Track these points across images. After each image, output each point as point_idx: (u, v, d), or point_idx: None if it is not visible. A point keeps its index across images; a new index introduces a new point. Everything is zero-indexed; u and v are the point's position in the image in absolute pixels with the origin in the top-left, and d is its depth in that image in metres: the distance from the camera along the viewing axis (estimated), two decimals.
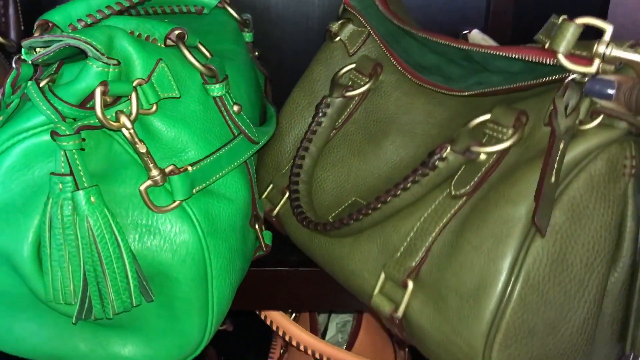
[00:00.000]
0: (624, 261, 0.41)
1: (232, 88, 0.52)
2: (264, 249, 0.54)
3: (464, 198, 0.43)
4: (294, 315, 0.74)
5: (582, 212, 0.39)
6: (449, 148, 0.43)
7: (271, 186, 0.57)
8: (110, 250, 0.41)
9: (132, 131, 0.43)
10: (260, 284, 0.56)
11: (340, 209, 0.52)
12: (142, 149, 0.43)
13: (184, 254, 0.45)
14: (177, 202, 0.45)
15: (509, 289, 0.38)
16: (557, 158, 0.38)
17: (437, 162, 0.43)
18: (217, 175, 0.47)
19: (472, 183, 0.42)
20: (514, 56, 0.42)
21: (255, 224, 0.53)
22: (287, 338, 0.65)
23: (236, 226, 0.49)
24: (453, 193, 0.43)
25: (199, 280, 0.46)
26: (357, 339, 0.68)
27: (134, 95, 0.43)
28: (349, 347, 0.68)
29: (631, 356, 0.42)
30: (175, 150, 0.46)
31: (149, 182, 0.44)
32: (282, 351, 0.74)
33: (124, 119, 0.42)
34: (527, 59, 0.41)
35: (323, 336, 0.75)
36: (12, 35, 0.66)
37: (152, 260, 0.44)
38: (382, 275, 0.45)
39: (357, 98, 0.55)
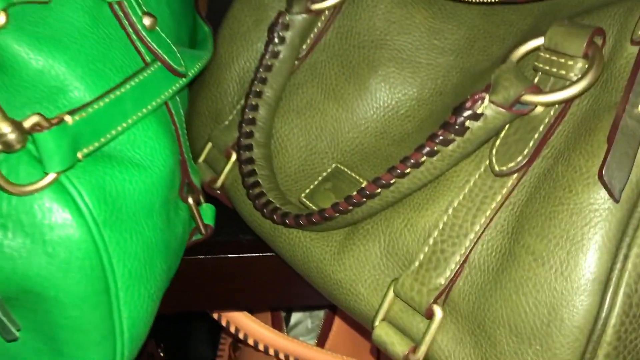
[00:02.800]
0: None
1: None
2: (203, 231, 0.37)
3: (515, 176, 0.27)
4: None
5: None
6: (486, 99, 0.26)
7: (210, 145, 0.39)
8: None
9: None
10: (199, 278, 0.40)
11: (315, 182, 0.35)
12: None
13: (66, 261, 0.28)
14: (51, 177, 0.27)
15: (599, 326, 0.23)
16: None
17: (467, 122, 0.27)
18: (118, 129, 0.30)
19: (525, 152, 0.27)
20: None
21: (188, 196, 0.36)
22: (241, 336, 0.49)
23: (154, 206, 0.32)
24: (497, 168, 0.27)
25: (94, 298, 0.29)
26: (330, 331, 0.53)
27: None
28: (321, 343, 0.53)
29: None
30: (47, 92, 0.29)
31: None
32: (232, 349, 0.58)
33: None
34: None
35: (287, 321, 0.60)
36: None
37: (12, 272, 0.27)
38: (390, 294, 0.29)
39: (327, 12, 0.38)
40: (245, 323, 0.50)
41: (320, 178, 0.35)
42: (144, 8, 0.33)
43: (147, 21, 0.32)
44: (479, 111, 0.27)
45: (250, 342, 0.50)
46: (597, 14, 0.28)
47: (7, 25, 0.27)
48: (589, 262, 0.24)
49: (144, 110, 0.31)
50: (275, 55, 0.37)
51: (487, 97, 0.27)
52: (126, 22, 0.32)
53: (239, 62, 0.40)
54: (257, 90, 0.36)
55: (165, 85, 0.33)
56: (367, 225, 0.31)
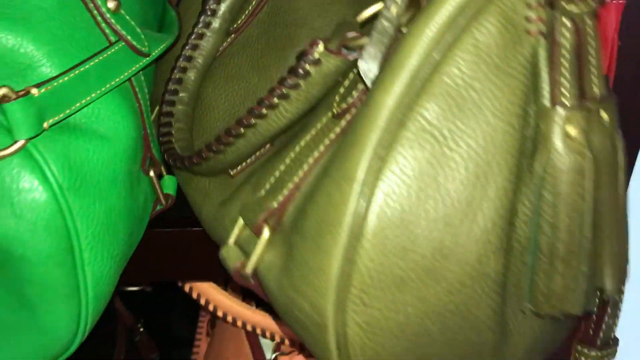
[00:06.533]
0: (546, 164, 0.27)
1: None
2: (163, 201, 0.40)
3: (347, 117, 0.30)
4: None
5: (465, 99, 0.26)
6: (321, 45, 0.29)
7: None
8: None
9: None
10: (162, 249, 0.42)
11: None
12: None
13: (32, 221, 0.30)
14: (19, 144, 0.30)
15: (359, 223, 0.26)
16: None
17: (308, 66, 0.29)
18: (83, 101, 0.32)
19: (353, 93, 0.30)
20: None
21: (150, 170, 0.39)
22: (210, 308, 0.52)
23: (117, 176, 0.34)
24: (334, 111, 0.30)
25: (59, 256, 0.31)
26: None
27: None
28: None
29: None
30: (17, 68, 0.32)
31: None
32: (209, 326, 0.61)
33: None
34: None
35: None
36: None
37: None
38: (240, 220, 0.32)
39: None
40: (219, 299, 0.53)
41: None
42: None
43: (111, 4, 0.35)
44: (316, 56, 0.29)
45: (220, 314, 0.52)
46: None
47: None
48: (353, 167, 0.26)
49: (107, 86, 0.34)
50: (207, 25, 0.40)
51: (321, 43, 0.29)
52: (91, 5, 0.34)
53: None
54: (188, 55, 0.40)
55: (128, 63, 0.35)
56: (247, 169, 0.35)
